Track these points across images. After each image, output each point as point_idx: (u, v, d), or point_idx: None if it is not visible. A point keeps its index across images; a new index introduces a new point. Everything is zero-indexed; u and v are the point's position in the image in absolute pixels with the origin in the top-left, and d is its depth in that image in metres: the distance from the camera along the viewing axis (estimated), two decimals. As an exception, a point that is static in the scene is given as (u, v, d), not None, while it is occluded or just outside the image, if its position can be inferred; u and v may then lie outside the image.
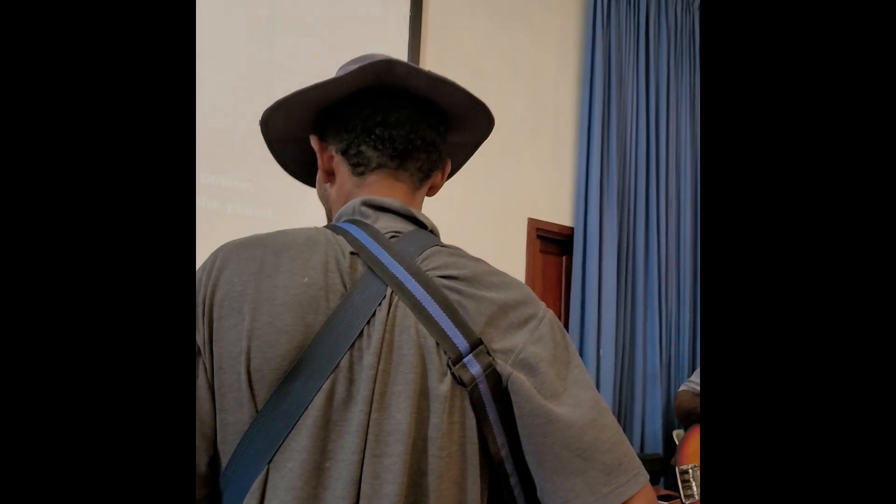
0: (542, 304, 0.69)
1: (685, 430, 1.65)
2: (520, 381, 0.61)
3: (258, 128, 0.79)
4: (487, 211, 2.20)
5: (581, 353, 2.32)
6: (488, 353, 0.62)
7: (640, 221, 2.59)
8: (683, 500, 1.54)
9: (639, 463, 0.63)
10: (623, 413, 2.42)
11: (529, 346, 0.63)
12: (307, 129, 0.77)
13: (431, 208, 1.69)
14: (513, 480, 0.63)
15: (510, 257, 2.29)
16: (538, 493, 0.62)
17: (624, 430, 2.41)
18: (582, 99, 2.50)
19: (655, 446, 2.40)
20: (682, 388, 1.80)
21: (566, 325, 2.38)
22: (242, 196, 1.80)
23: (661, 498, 2.04)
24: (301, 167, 0.84)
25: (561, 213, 2.46)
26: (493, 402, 0.62)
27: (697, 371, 1.74)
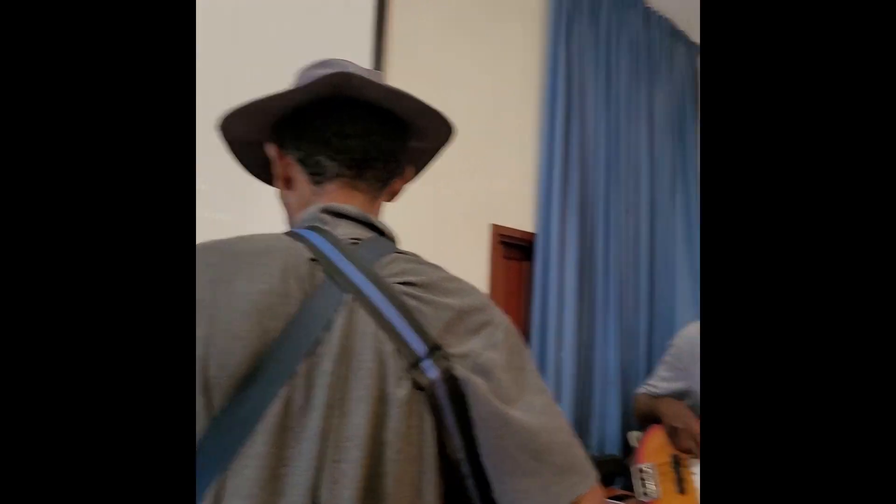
0: (498, 310, 0.71)
1: (643, 432, 1.70)
2: (476, 386, 0.62)
3: (215, 130, 0.79)
4: (451, 217, 2.22)
5: (542, 357, 2.36)
6: (446, 357, 0.63)
7: (600, 230, 2.66)
8: (639, 498, 1.58)
9: (589, 464, 0.66)
10: (582, 415, 2.47)
11: (486, 352, 0.65)
12: (265, 136, 0.77)
13: (396, 214, 1.70)
14: (469, 482, 0.65)
15: (474, 262, 2.32)
16: (493, 494, 0.64)
17: (582, 432, 2.44)
18: (544, 108, 2.55)
19: (613, 447, 2.45)
20: (639, 390, 1.85)
21: (528, 330, 2.42)
22: (200, 198, 1.78)
23: (617, 497, 2.09)
24: (261, 168, 0.84)
25: (524, 220, 2.51)
26: (451, 406, 0.63)
27: (654, 373, 1.80)
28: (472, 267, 2.32)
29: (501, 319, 0.69)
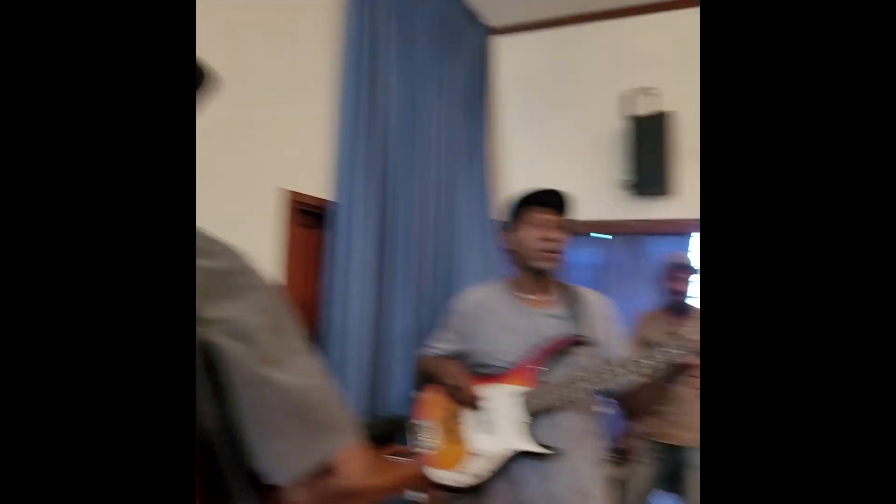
0: (261, 273, 0.70)
1: (423, 391, 1.81)
2: (233, 352, 0.62)
3: None
4: (242, 181, 2.13)
5: (341, 322, 2.39)
6: (199, 323, 0.61)
7: (396, 199, 2.73)
8: (417, 450, 1.70)
9: (351, 423, 0.69)
10: (374, 377, 2.56)
11: (246, 316, 0.64)
12: None
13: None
14: (226, 450, 0.65)
15: (265, 229, 2.26)
16: (251, 459, 0.64)
17: (375, 393, 2.51)
18: (343, 74, 2.53)
19: (404, 407, 2.58)
20: (421, 351, 1.96)
21: (323, 297, 2.43)
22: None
23: (400, 454, 2.21)
24: None
25: (318, 187, 2.49)
26: (206, 374, 0.62)
27: (434, 336, 1.91)
28: (264, 233, 2.25)
29: (263, 282, 0.68)
